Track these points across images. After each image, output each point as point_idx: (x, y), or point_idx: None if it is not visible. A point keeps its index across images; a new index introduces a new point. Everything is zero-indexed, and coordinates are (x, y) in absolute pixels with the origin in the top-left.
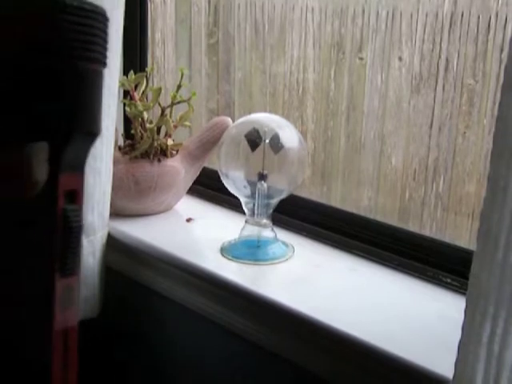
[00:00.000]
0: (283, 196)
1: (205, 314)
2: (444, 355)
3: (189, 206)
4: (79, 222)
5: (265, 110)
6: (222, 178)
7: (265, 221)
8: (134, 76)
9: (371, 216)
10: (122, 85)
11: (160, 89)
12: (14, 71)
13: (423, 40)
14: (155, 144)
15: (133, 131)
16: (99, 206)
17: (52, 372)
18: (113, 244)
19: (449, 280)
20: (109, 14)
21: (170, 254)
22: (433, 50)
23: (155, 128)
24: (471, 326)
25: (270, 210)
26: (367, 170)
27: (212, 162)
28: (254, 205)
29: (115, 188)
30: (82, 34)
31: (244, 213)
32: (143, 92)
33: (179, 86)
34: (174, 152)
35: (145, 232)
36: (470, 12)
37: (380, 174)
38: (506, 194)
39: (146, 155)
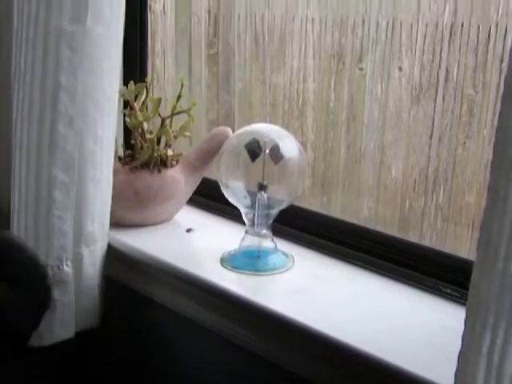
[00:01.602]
0: (283, 206)
1: (204, 324)
2: (444, 365)
3: (189, 216)
4: None
5: (265, 121)
6: (222, 189)
7: (265, 231)
8: (133, 86)
9: (371, 226)
10: (122, 95)
11: (160, 99)
12: None
13: (423, 50)
14: (155, 154)
15: (133, 142)
16: (99, 216)
17: None
18: (113, 254)
19: (449, 290)
20: (109, 25)
21: (170, 264)
22: (433, 61)
23: (155, 138)
24: (471, 336)
25: (270, 221)
26: (367, 181)
27: (212, 173)
28: (254, 215)
29: (115, 198)
30: None
31: (244, 223)
32: (143, 102)
33: (179, 97)
34: (174, 162)
35: (145, 242)
36: (470, 22)
37: (380, 184)
38: (506, 204)
39: (146, 166)
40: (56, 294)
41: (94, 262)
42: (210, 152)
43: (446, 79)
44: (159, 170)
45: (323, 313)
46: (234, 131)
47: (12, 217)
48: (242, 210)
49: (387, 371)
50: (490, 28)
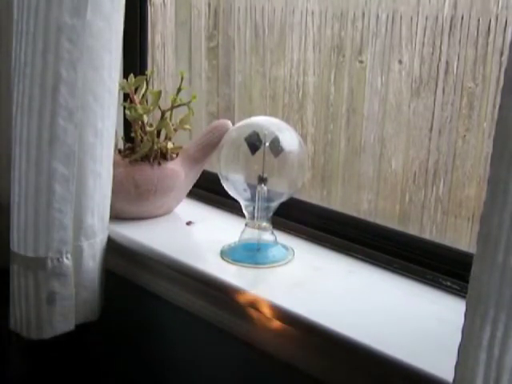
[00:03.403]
0: (283, 199)
1: (204, 316)
2: (444, 358)
3: (189, 209)
4: None
5: (265, 113)
6: (222, 181)
7: (265, 224)
8: (134, 79)
9: (371, 219)
10: (122, 88)
11: (160, 92)
12: None
13: (423, 43)
14: (155, 147)
15: (133, 134)
16: (99, 209)
17: None
18: (113, 247)
19: (449, 283)
20: (109, 18)
21: (170, 257)
22: (433, 53)
23: (155, 131)
24: (471, 329)
25: (270, 213)
26: (367, 173)
27: (212, 166)
28: (253, 208)
29: (115, 191)
30: None
31: (244, 216)
32: (143, 95)
33: (179, 90)
34: (174, 155)
35: (145, 235)
36: (470, 15)
37: (380, 177)
38: (506, 196)
39: (146, 158)
40: (56, 286)
41: (93, 255)
42: (210, 145)
43: (446, 72)
44: (159, 163)
45: (323, 305)
46: (233, 124)
47: (12, 210)
48: (242, 203)
49: (387, 364)
50: (490, 21)
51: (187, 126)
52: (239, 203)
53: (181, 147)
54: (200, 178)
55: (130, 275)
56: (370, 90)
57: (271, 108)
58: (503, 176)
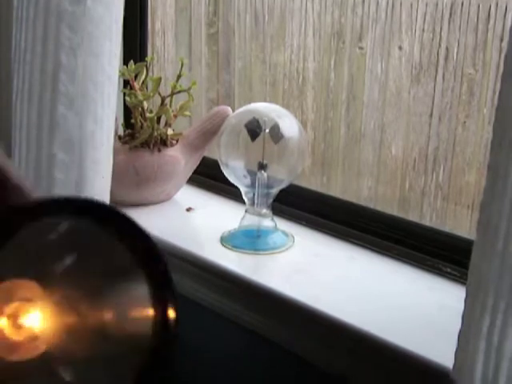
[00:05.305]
0: (283, 186)
1: (204, 303)
2: (444, 345)
3: (189, 195)
4: None
5: (265, 100)
6: (222, 168)
7: (265, 210)
8: (134, 66)
9: (371, 205)
10: (122, 74)
11: (160, 78)
12: None
13: (423, 29)
14: (155, 134)
15: (133, 121)
16: (99, 195)
17: None
18: None
19: (449, 270)
20: (109, 5)
21: (170, 243)
22: (433, 40)
23: (155, 117)
24: (471, 316)
25: (270, 200)
26: (367, 160)
27: (212, 152)
28: (253, 194)
29: (115, 178)
30: None
31: (244, 202)
32: (143, 82)
33: (179, 76)
34: (174, 142)
35: (144, 222)
36: (469, 1)
37: (380, 163)
38: (506, 183)
39: (145, 145)
40: None
41: None
42: (210, 131)
43: (446, 58)
44: (159, 150)
45: (323, 292)
46: (233, 110)
47: None
48: (242, 190)
49: (387, 350)
50: (490, 7)
51: (187, 113)
52: (239, 190)
53: (181, 134)
54: (200, 164)
55: None
56: (370, 77)
57: (271, 94)
58: (503, 162)
